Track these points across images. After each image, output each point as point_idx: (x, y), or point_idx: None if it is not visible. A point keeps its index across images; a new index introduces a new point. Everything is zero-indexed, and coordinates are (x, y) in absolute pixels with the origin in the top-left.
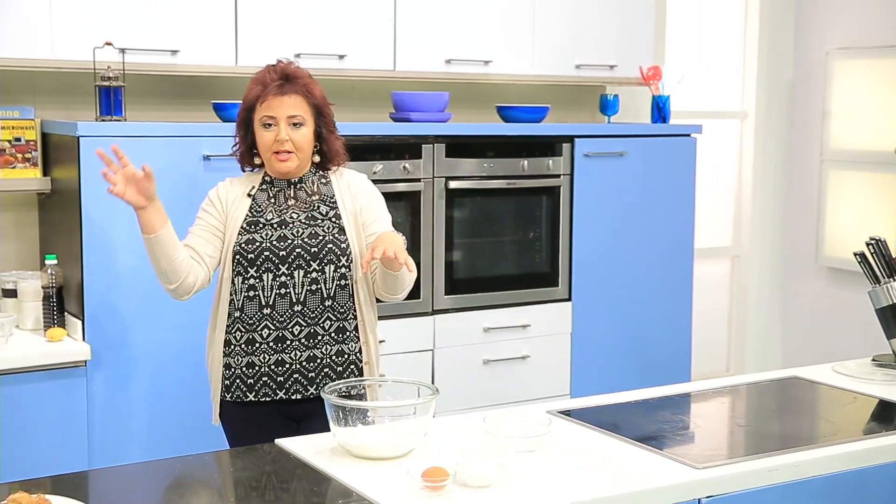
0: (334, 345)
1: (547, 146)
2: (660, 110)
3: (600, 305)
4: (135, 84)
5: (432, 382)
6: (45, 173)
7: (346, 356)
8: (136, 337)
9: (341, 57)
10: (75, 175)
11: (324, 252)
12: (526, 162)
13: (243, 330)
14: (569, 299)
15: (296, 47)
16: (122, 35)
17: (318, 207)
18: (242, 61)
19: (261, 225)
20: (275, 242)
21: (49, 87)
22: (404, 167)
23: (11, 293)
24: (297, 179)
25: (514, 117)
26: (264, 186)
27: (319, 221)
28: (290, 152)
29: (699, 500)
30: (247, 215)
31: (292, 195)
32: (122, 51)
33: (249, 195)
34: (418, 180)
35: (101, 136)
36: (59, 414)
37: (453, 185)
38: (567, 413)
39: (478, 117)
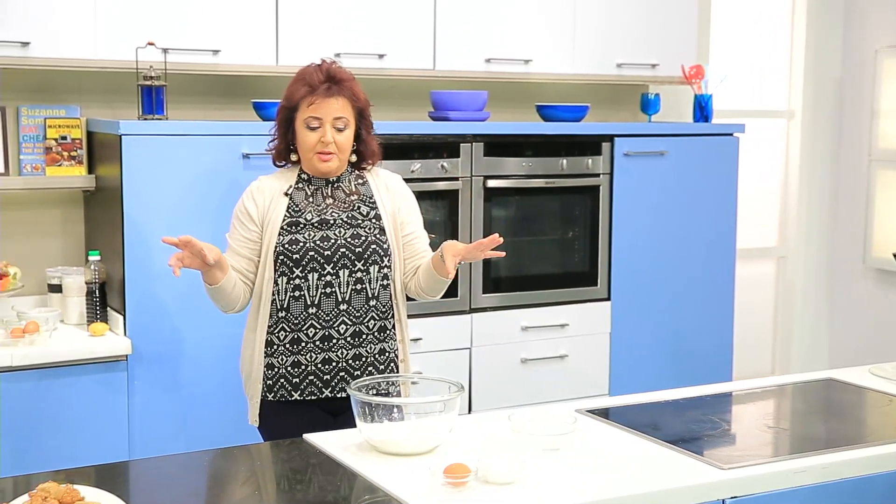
0: (377, 343)
1: (587, 145)
2: (702, 109)
3: (640, 305)
4: (176, 83)
5: (469, 381)
6: (89, 171)
7: (387, 354)
8: (176, 332)
9: (381, 56)
10: (118, 173)
11: (368, 252)
12: (565, 161)
13: (288, 329)
14: (608, 299)
15: (336, 47)
16: (164, 35)
17: (359, 207)
18: (283, 61)
19: (301, 225)
20: (318, 242)
21: (94, 87)
22: (442, 166)
23: (57, 288)
24: (334, 179)
25: (554, 116)
26: (301, 185)
27: (361, 221)
28: (332, 153)
29: (723, 500)
30: (285, 215)
31: (330, 194)
32: (165, 51)
33: (287, 194)
34: (456, 179)
35: (143, 135)
36: (100, 407)
37: (492, 183)
38: (595, 412)
39: (517, 116)
